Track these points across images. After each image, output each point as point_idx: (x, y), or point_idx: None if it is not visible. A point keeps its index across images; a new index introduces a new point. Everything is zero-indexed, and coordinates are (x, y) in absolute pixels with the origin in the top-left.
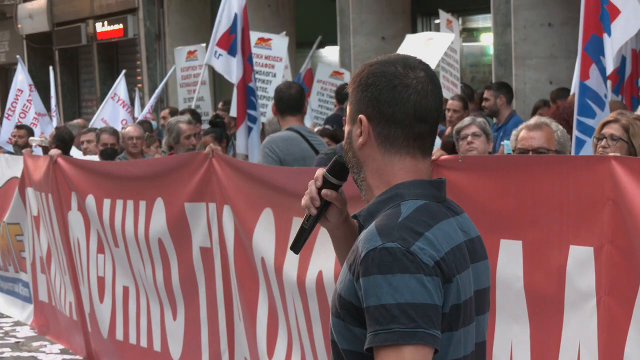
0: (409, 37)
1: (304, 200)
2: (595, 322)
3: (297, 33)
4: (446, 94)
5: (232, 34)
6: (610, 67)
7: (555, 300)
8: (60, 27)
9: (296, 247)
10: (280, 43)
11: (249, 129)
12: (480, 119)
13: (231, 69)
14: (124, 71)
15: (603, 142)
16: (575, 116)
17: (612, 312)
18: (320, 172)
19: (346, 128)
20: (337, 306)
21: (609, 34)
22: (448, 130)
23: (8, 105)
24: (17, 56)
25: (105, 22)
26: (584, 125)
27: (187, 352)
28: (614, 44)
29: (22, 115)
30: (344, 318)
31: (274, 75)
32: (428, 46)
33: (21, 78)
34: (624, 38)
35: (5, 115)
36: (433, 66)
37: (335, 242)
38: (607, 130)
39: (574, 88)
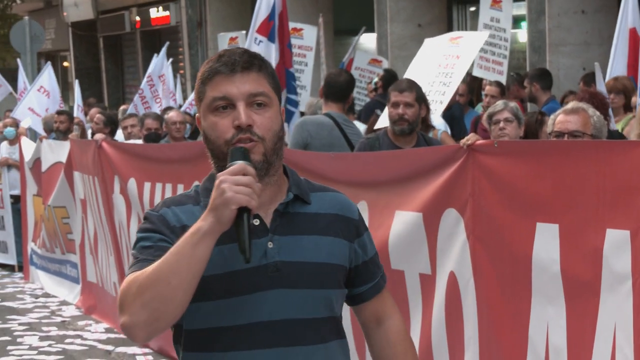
0: (428, 42)
1: (242, 196)
2: (631, 304)
3: (335, 21)
4: (484, 74)
5: (271, 21)
6: None
7: (591, 283)
8: (105, 14)
9: (249, 253)
10: (311, 32)
11: (291, 113)
12: (512, 104)
13: (271, 55)
14: (49, 63)
15: None
16: None
17: None
18: (242, 164)
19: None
20: (332, 276)
21: None
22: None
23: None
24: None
25: (149, 10)
26: None
27: None
28: None
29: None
30: (342, 285)
31: (306, 65)
32: (459, 45)
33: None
34: None
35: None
36: (467, 65)
37: (216, 236)
38: None
39: (609, 74)
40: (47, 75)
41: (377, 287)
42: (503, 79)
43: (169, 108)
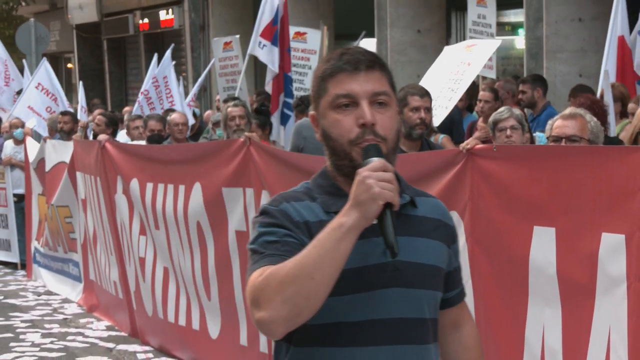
0: (447, 49)
1: (388, 192)
2: (626, 307)
3: (336, 26)
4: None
5: (275, 25)
6: None
7: (586, 286)
8: (109, 17)
9: (397, 248)
10: (314, 36)
11: (287, 117)
12: (517, 112)
13: (274, 58)
14: (44, 58)
15: None
16: None
17: None
18: (383, 160)
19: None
20: (437, 279)
21: None
22: (480, 120)
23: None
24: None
25: (153, 13)
26: None
27: (225, 331)
28: None
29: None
30: (440, 289)
31: (310, 68)
32: (472, 52)
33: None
34: None
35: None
36: (476, 72)
37: (359, 232)
38: None
39: (602, 83)
40: (45, 73)
41: (462, 293)
42: (493, 74)
43: (171, 110)
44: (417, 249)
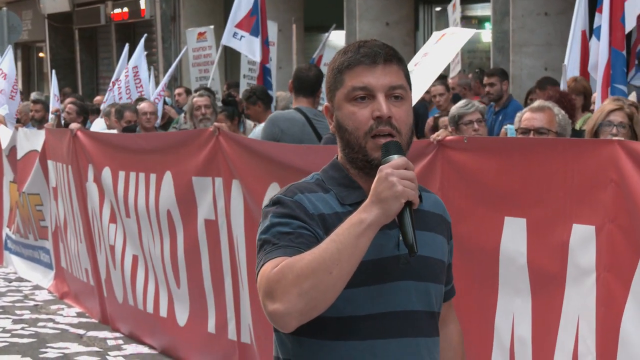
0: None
1: (410, 190)
2: (594, 297)
3: (306, 18)
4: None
5: (254, 16)
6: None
7: (557, 276)
8: (81, 7)
9: (417, 247)
10: (273, 28)
11: None
12: (480, 105)
13: (255, 49)
14: (10, 46)
15: (614, 130)
16: (612, 84)
17: (610, 288)
18: (403, 158)
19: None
20: (442, 273)
21: None
22: (438, 114)
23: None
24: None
25: (124, 4)
26: (618, 91)
27: (194, 319)
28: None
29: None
30: (444, 283)
31: (270, 59)
32: (437, 43)
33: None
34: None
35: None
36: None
37: (378, 228)
38: (615, 118)
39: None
40: (8, 60)
41: (453, 290)
42: (459, 67)
43: (140, 99)
44: (426, 243)
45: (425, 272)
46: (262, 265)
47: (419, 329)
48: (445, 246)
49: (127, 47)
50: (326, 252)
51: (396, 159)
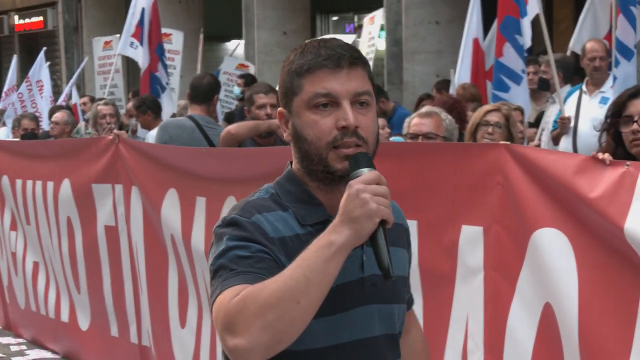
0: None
1: (384, 208)
2: (482, 296)
3: (206, 27)
4: None
5: (140, 27)
6: (527, 44)
7: (447, 276)
8: None
9: (392, 270)
10: (179, 37)
11: None
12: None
13: (143, 58)
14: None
15: (490, 129)
16: (492, 90)
17: (497, 286)
18: (375, 172)
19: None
20: (405, 289)
21: (526, 15)
22: None
23: None
24: None
25: (26, 15)
26: (499, 98)
27: (96, 323)
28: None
29: None
30: (405, 298)
31: (175, 68)
32: None
33: None
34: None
35: None
36: None
37: (349, 251)
38: (491, 118)
39: (456, 81)
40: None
41: (412, 298)
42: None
43: (58, 107)
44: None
45: (390, 294)
46: (219, 294)
47: (381, 355)
48: (406, 258)
49: (15, 58)
50: (292, 280)
51: (367, 172)
